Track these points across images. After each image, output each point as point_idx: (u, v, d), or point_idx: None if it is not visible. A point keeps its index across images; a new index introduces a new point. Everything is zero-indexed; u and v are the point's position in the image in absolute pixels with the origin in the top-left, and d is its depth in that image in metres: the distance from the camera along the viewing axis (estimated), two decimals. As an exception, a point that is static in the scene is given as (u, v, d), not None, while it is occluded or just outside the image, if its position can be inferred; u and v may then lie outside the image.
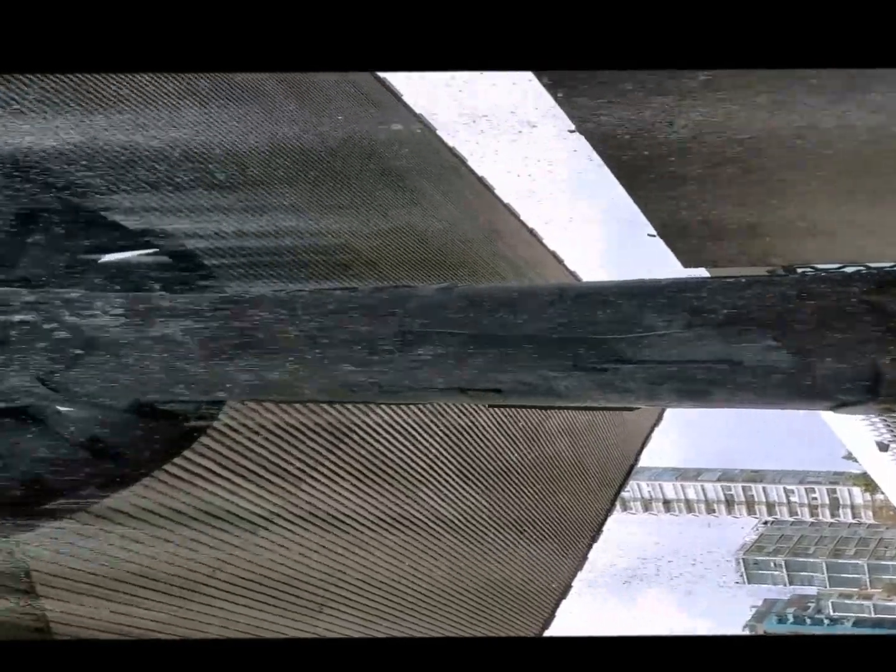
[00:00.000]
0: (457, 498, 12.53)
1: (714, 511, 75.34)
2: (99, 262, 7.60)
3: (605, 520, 17.87)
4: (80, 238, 7.60)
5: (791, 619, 62.61)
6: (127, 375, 5.58)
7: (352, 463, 10.42)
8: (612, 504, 18.48)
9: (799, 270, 4.62)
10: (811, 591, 66.60)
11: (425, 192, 13.85)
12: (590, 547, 17.28)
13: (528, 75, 7.81)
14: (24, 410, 6.57)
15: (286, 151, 10.97)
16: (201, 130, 9.81)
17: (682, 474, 76.89)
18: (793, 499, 72.99)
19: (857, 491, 69.37)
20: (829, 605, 64.68)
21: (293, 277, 9.96)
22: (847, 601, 64.80)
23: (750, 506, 74.27)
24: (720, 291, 4.74)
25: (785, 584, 67.51)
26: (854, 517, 70.80)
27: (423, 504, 11.84)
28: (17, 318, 5.72)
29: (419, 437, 11.78)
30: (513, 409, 13.17)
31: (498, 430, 13.83)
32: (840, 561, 66.47)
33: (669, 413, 20.33)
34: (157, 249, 8.12)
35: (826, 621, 62.27)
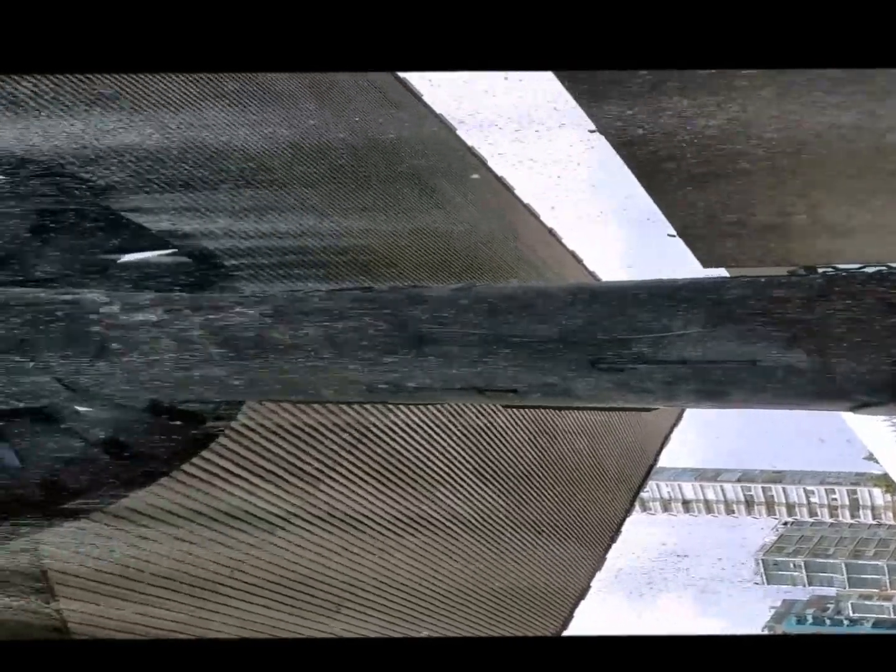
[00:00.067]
0: (474, 498, 12.51)
1: (733, 512, 75.11)
2: (118, 262, 7.62)
3: (623, 520, 17.82)
4: (100, 238, 7.62)
5: (810, 619, 62.35)
6: (145, 375, 5.58)
7: (370, 463, 10.41)
8: (631, 504, 18.43)
9: (820, 270, 4.59)
10: (831, 591, 66.33)
11: (444, 193, 13.84)
12: (608, 548, 17.23)
13: (549, 75, 7.79)
14: (43, 410, 6.58)
15: (306, 152, 10.98)
16: (223, 131, 9.82)
17: (701, 475, 76.64)
18: (813, 500, 72.69)
19: (877, 492, 69.06)
20: (849, 605, 64.39)
21: (311, 277, 9.96)
22: (867, 602, 64.51)
23: (769, 506, 74.00)
24: (739, 291, 4.71)
25: (804, 585, 67.24)
26: (874, 518, 70.47)
27: (441, 504, 11.82)
28: (37, 318, 5.73)
29: (437, 438, 11.76)
30: (530, 410, 13.15)
31: (516, 430, 13.80)
32: (860, 562, 66.18)
33: (689, 413, 20.28)
34: (177, 249, 8.14)
35: (845, 622, 62.00)
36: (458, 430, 12.21)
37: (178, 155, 9.10)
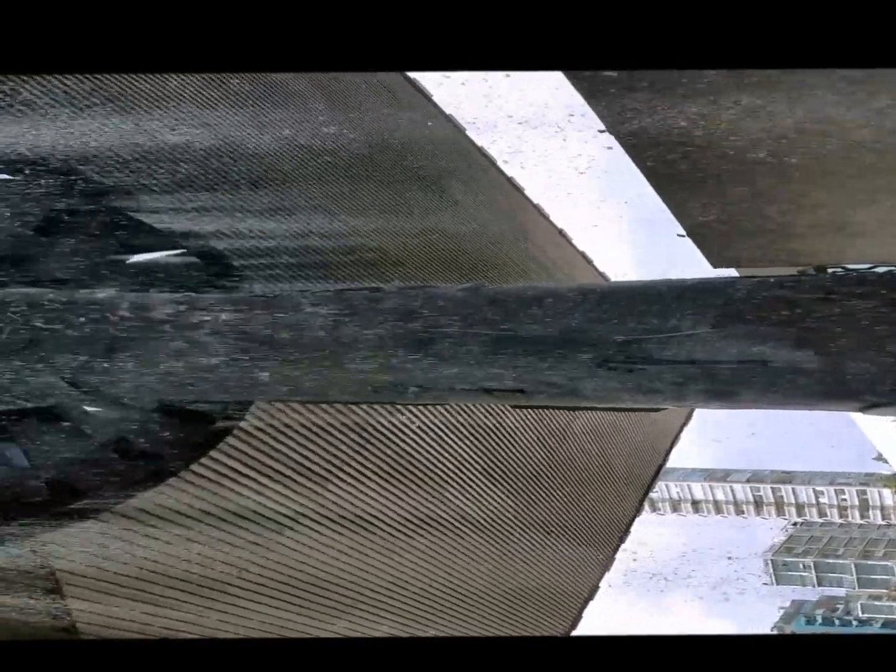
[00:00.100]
0: (483, 499, 12.51)
1: (743, 512, 75.04)
2: (127, 262, 7.63)
3: (632, 521, 17.80)
4: (110, 239, 7.63)
5: (819, 620, 62.28)
6: (153, 376, 5.58)
7: (378, 463, 10.41)
8: (641, 505, 18.41)
9: (829, 270, 4.57)
10: (840, 592, 66.24)
11: (454, 193, 13.83)
12: (617, 548, 17.22)
13: (559, 75, 7.79)
14: (51, 410, 6.59)
15: (315, 152, 10.98)
16: (233, 131, 9.83)
17: (710, 475, 76.58)
18: (822, 500, 72.61)
19: (887, 492, 68.97)
20: (858, 606, 64.30)
21: (320, 277, 9.96)
22: (876, 602, 64.40)
23: (779, 507, 73.92)
24: (748, 291, 4.69)
25: (814, 586, 67.15)
26: (884, 518, 70.37)
27: (450, 505, 11.82)
28: (45, 318, 5.73)
29: (446, 438, 11.76)
30: (539, 410, 13.14)
31: (525, 430, 13.80)
32: (869, 562, 66.08)
33: (698, 413, 20.26)
34: (185, 250, 8.14)
35: (855, 623, 61.93)
36: (467, 430, 12.20)
37: (188, 155, 9.11)
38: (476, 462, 12.37)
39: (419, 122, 13.12)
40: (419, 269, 12.13)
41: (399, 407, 10.10)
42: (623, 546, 17.42)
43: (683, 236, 11.67)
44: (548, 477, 14.33)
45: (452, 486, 11.85)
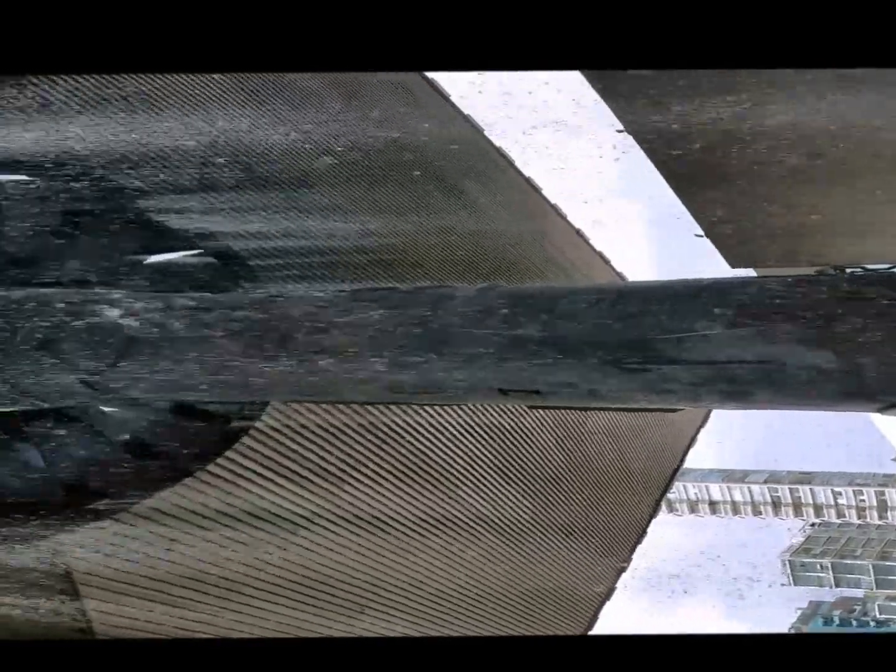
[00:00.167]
0: (499, 499, 12.49)
1: (761, 513, 74.90)
2: (144, 262, 7.64)
3: (649, 521, 17.77)
4: (127, 239, 7.64)
5: (837, 621, 62.17)
6: (169, 376, 5.59)
7: (394, 464, 10.41)
8: (657, 505, 18.38)
9: (848, 270, 4.54)
10: (858, 593, 66.09)
11: (471, 193, 13.83)
12: (634, 549, 17.19)
13: (577, 75, 7.78)
14: (67, 411, 6.60)
15: (333, 152, 10.99)
16: (249, 132, 9.84)
17: (728, 476, 76.46)
18: (840, 501, 72.43)
19: (905, 493, 68.79)
20: (876, 607, 64.16)
21: (335, 277, 9.97)
22: (893, 603, 64.24)
23: (797, 508, 73.76)
24: (765, 291, 4.67)
25: (831, 587, 67.01)
26: (902, 519, 70.19)
27: (465, 505, 11.81)
28: (61, 318, 5.74)
29: (461, 439, 11.75)
30: (557, 411, 13.13)
31: (542, 432, 13.78)
32: (887, 563, 65.89)
33: (715, 414, 20.20)
34: (202, 250, 8.15)
35: (872, 624, 61.80)
36: (483, 431, 12.20)
37: (204, 155, 9.12)
38: (492, 463, 12.36)
39: (437, 122, 13.12)
40: (436, 269, 12.13)
41: (415, 407, 10.10)
42: (640, 547, 17.39)
43: (701, 236, 11.65)
44: (564, 477, 14.31)
45: (468, 487, 11.84)
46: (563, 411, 13.42)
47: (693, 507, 76.04)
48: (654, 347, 4.68)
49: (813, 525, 72.43)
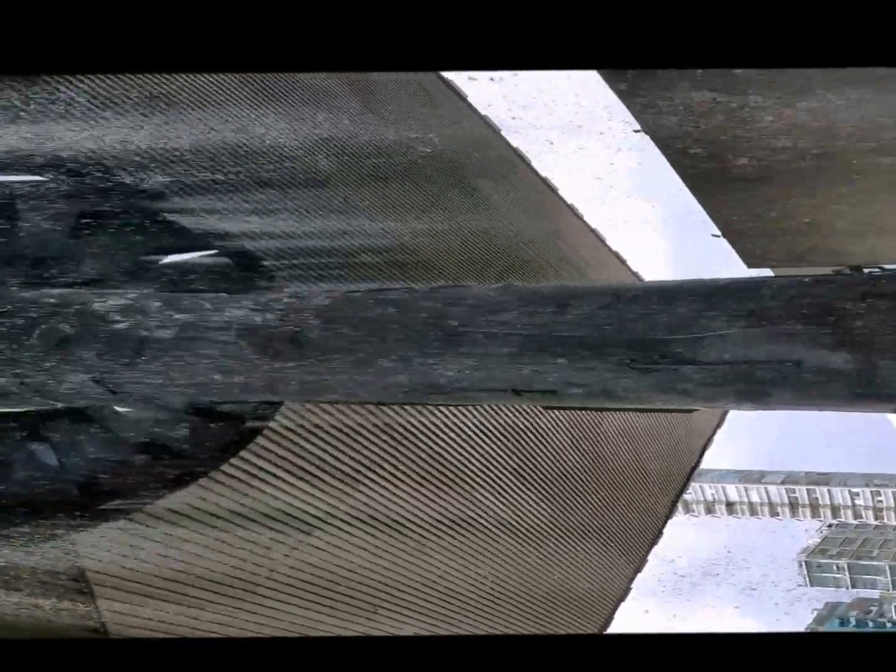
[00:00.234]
0: (514, 500, 12.48)
1: (778, 514, 74.78)
2: (160, 263, 7.65)
3: (665, 522, 17.74)
4: (142, 240, 7.65)
5: (853, 622, 62.07)
6: (183, 376, 5.58)
7: (409, 464, 10.41)
8: (674, 506, 18.35)
9: (866, 270, 4.51)
10: (874, 594, 65.95)
11: (487, 193, 13.82)
12: (650, 549, 17.17)
13: (594, 75, 7.77)
14: (82, 411, 6.61)
15: (348, 151, 10.99)
16: (265, 131, 9.84)
17: (745, 476, 76.36)
18: (858, 502, 72.27)
19: (924, 494, 68.61)
20: (892, 608, 64.02)
21: (350, 277, 9.97)
22: (910, 605, 64.15)
23: (814, 508, 73.62)
24: (782, 291, 4.64)
25: (847, 588, 66.88)
26: (920, 520, 70.01)
27: (480, 506, 11.80)
28: (76, 318, 5.75)
29: (476, 439, 11.74)
30: (573, 412, 13.11)
31: (557, 431, 13.77)
32: (905, 564, 65.76)
33: (732, 414, 20.17)
34: (218, 250, 8.16)
35: (888, 625, 61.67)
36: (499, 431, 12.19)
37: (222, 155, 9.13)
38: (507, 464, 12.35)
39: (453, 121, 13.12)
40: (451, 269, 12.12)
41: (430, 408, 10.10)
42: (656, 548, 17.37)
43: (718, 236, 11.63)
44: (580, 478, 14.29)
45: (483, 488, 11.83)
46: (578, 412, 13.41)
47: (710, 508, 75.95)
48: (669, 347, 4.65)
49: (830, 526, 72.30)
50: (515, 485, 12.50)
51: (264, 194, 9.59)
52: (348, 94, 11.17)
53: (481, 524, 11.76)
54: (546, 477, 13.23)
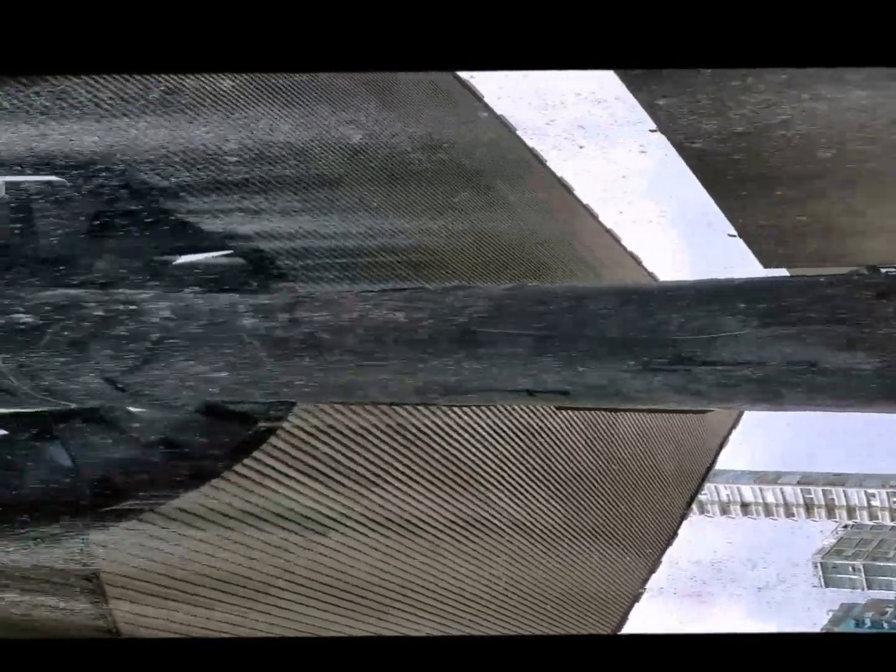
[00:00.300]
0: (528, 501, 12.46)
1: (793, 515, 74.56)
2: (174, 263, 7.65)
3: (680, 522, 17.71)
4: (156, 240, 7.65)
5: (868, 623, 61.85)
6: (196, 377, 5.58)
7: (423, 465, 10.40)
8: (688, 506, 18.32)
9: (882, 270, 4.48)
10: (889, 595, 65.73)
11: (503, 193, 13.81)
12: (665, 550, 17.13)
13: (611, 75, 7.75)
14: (95, 412, 6.61)
15: (364, 151, 10.99)
16: (280, 131, 9.85)
17: (760, 477, 76.15)
18: (874, 503, 72.02)
19: (940, 495, 68.36)
20: (908, 609, 63.83)
21: (363, 277, 9.96)
22: (927, 606, 63.91)
23: (830, 510, 73.39)
24: (797, 291, 4.61)
25: (863, 589, 66.67)
26: (936, 522, 69.75)
27: (494, 507, 11.79)
28: (90, 319, 5.75)
29: (491, 440, 11.73)
30: (587, 413, 13.09)
31: (571, 432, 13.74)
32: (921, 566, 65.54)
33: (747, 414, 20.11)
34: (232, 251, 8.16)
35: (904, 626, 61.50)
36: (512, 432, 12.17)
37: (236, 155, 9.13)
38: (521, 464, 12.34)
39: (470, 121, 13.11)
40: (465, 269, 12.11)
41: (443, 409, 10.09)
42: (670, 548, 17.34)
43: (734, 236, 11.61)
44: (595, 479, 14.27)
45: (497, 489, 11.82)
46: (592, 413, 13.39)
47: (725, 509, 75.76)
48: (683, 348, 4.62)
49: (846, 527, 72.07)
50: (529, 485, 12.48)
51: (278, 194, 9.59)
52: (364, 94, 11.17)
53: (495, 525, 11.74)
54: (560, 477, 13.21)
